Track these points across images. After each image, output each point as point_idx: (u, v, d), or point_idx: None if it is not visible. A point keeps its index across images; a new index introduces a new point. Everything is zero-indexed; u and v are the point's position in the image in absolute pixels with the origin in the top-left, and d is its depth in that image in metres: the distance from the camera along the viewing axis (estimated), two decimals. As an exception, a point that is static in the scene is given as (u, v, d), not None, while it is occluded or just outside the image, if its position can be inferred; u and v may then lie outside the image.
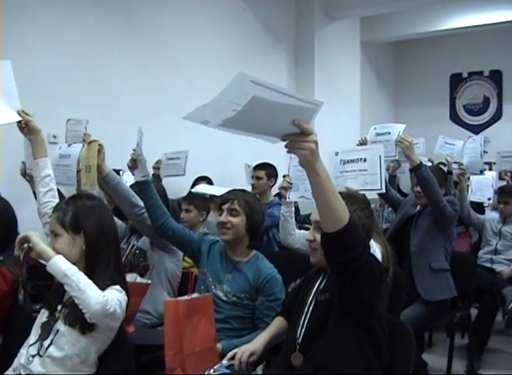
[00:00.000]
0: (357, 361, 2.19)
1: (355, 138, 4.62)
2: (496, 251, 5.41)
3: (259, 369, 2.83)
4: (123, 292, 2.33)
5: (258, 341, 2.57)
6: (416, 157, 4.11)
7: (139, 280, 3.24)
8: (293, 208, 3.96)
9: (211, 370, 2.35)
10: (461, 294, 4.38)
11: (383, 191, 3.65)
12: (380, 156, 3.59)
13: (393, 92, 9.81)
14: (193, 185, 5.90)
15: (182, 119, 1.63)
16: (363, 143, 4.33)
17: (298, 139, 1.74)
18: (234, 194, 3.18)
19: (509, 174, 7.13)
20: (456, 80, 9.56)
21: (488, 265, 5.33)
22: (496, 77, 9.30)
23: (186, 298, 2.64)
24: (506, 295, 4.84)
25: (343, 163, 3.58)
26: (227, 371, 2.37)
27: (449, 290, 4.17)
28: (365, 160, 3.57)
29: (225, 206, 3.11)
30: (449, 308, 4.37)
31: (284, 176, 3.89)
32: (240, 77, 1.58)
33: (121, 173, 4.52)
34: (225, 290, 3.02)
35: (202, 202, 4.54)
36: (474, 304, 4.98)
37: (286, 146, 1.78)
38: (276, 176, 5.49)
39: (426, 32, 8.59)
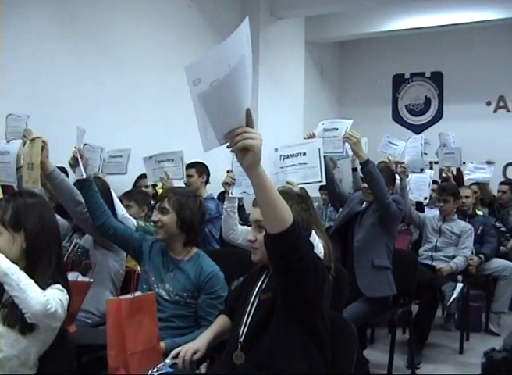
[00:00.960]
0: (301, 359, 2.20)
1: (298, 136, 4.67)
2: (436, 249, 5.53)
3: (203, 368, 2.84)
4: (65, 291, 2.30)
5: (201, 340, 2.55)
6: (363, 153, 4.16)
7: (81, 278, 3.20)
8: (236, 204, 3.98)
9: (155, 369, 2.33)
10: (402, 290, 4.46)
11: (324, 182, 3.69)
12: (319, 149, 3.63)
13: (337, 91, 9.90)
14: (136, 183, 5.87)
15: (184, 67, 1.65)
16: (311, 137, 4.36)
17: (247, 130, 1.74)
18: (168, 192, 3.19)
19: (451, 170, 7.33)
20: (399, 81, 9.70)
21: (429, 262, 5.43)
22: (437, 78, 9.46)
23: (128, 296, 2.62)
24: (445, 291, 4.94)
25: (283, 159, 3.60)
26: (170, 370, 2.35)
27: (389, 287, 4.24)
28: (305, 154, 3.61)
29: (157, 205, 3.13)
30: (391, 305, 4.46)
31: (228, 172, 3.89)
32: (243, 29, 1.72)
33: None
34: (168, 289, 3.01)
35: (143, 198, 4.52)
36: (415, 300, 5.08)
37: (228, 147, 1.78)
38: (208, 173, 5.51)
39: (370, 33, 8.69)
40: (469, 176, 6.72)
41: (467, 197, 6.15)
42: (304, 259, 2.04)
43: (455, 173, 7.19)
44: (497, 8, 7.78)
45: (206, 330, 2.65)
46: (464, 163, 7.47)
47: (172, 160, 5.35)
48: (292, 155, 3.61)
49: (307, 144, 3.74)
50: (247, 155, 1.77)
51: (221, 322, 2.65)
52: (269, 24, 7.64)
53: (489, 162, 7.49)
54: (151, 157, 5.41)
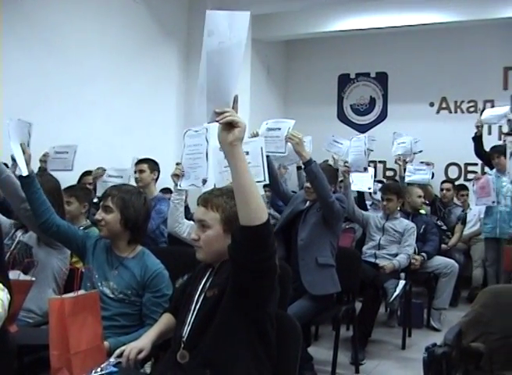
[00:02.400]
0: (246, 355, 2.21)
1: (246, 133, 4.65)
2: (379, 247, 5.60)
3: (147, 367, 2.82)
4: (5, 290, 2.25)
5: (146, 338, 2.53)
6: (306, 153, 4.20)
7: (22, 277, 3.14)
8: (184, 197, 3.97)
9: (98, 369, 2.29)
10: (346, 288, 4.52)
11: (267, 181, 3.72)
12: (262, 148, 3.65)
13: (283, 90, 9.92)
14: (80, 179, 5.78)
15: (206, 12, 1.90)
16: (254, 136, 4.37)
17: (235, 112, 1.94)
18: (112, 190, 3.15)
19: (402, 158, 7.46)
20: (344, 81, 9.78)
21: (372, 260, 5.50)
22: (382, 79, 9.56)
23: (72, 295, 2.57)
24: (388, 289, 5.00)
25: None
26: (114, 369, 2.32)
27: (333, 285, 4.29)
28: (247, 153, 3.62)
29: (101, 203, 3.10)
30: (335, 302, 4.51)
31: (177, 164, 3.89)
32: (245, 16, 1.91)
33: None
34: (112, 286, 2.99)
35: (84, 194, 4.46)
36: (359, 297, 5.15)
37: (218, 120, 1.92)
38: (159, 171, 5.49)
39: (316, 32, 8.72)
40: (409, 178, 6.84)
41: (419, 196, 6.30)
42: (271, 259, 2.07)
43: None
44: (441, 12, 7.91)
45: (150, 329, 2.64)
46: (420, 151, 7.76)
47: (67, 152, 5.33)
48: None
49: (249, 144, 3.77)
50: (232, 130, 1.93)
51: (165, 320, 2.64)
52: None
53: (428, 164, 7.68)
54: (53, 147, 5.36)
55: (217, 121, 1.92)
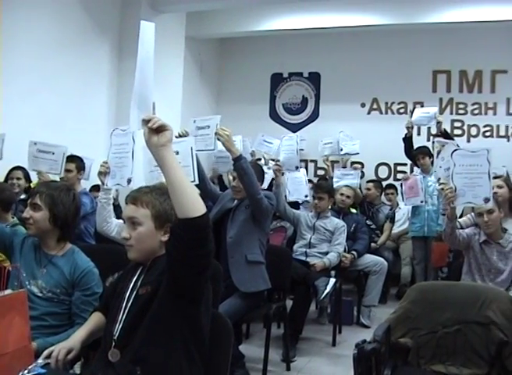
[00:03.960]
0: (179, 354, 2.20)
1: (175, 132, 4.63)
2: (310, 245, 5.64)
3: (77, 367, 2.76)
4: None
5: (75, 338, 2.48)
6: (236, 149, 4.22)
7: None
8: (111, 196, 3.92)
9: (25, 371, 2.23)
10: (277, 286, 4.53)
11: (197, 182, 3.70)
12: (191, 148, 3.64)
13: (215, 88, 9.89)
14: (8, 175, 5.61)
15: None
16: (183, 135, 4.34)
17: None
18: (40, 187, 3.08)
19: (329, 159, 7.55)
20: (277, 80, 9.82)
21: (303, 258, 5.54)
22: (314, 79, 9.63)
23: (-3, 295, 2.51)
24: (318, 287, 5.03)
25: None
26: (42, 371, 2.26)
27: (264, 282, 4.30)
28: (178, 153, 3.60)
29: (29, 201, 3.03)
30: (266, 300, 4.52)
31: (106, 163, 3.82)
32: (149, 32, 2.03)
33: None
34: (40, 285, 2.91)
35: (7, 197, 4.33)
36: (289, 295, 5.17)
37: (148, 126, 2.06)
38: (85, 169, 5.40)
39: (250, 31, 8.72)
40: (337, 183, 6.92)
41: (348, 197, 6.37)
42: (209, 256, 2.10)
43: None
44: (374, 14, 8.03)
45: (80, 328, 2.58)
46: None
47: (53, 153, 5.12)
48: None
49: (179, 143, 3.75)
50: (162, 134, 2.06)
51: (95, 319, 2.60)
52: (150, 18, 7.46)
53: (356, 168, 7.82)
54: (35, 143, 5.14)
55: (149, 127, 2.05)
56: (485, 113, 8.72)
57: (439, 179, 4.04)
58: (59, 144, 5.18)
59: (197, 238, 2.03)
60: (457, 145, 5.27)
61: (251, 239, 4.32)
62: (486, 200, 3.89)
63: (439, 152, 4.59)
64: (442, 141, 5.85)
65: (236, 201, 4.46)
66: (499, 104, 8.62)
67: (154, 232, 2.34)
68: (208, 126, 4.37)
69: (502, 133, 8.60)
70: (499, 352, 3.13)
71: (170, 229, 2.17)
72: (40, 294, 2.90)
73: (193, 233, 2.02)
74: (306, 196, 6.10)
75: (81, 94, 6.92)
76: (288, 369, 4.64)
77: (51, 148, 5.13)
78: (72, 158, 5.32)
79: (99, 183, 4.02)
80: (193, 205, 2.01)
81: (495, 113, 8.66)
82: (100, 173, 3.87)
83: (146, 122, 2.06)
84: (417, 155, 6.75)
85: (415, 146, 7.00)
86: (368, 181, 8.05)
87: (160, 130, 2.06)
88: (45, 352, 2.41)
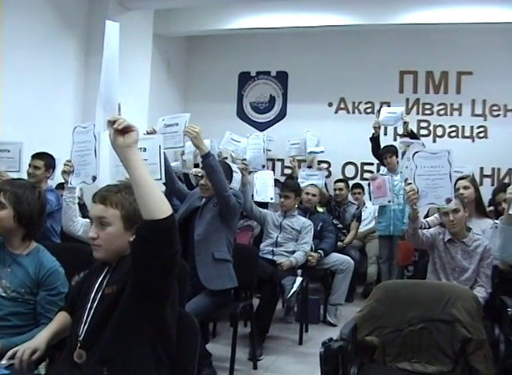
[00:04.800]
0: (145, 354, 2.18)
1: (142, 131, 4.61)
2: (276, 244, 5.66)
3: (41, 368, 2.72)
4: None
5: (40, 338, 2.46)
6: (205, 146, 4.24)
7: None
8: (76, 194, 3.88)
9: (-12, 372, 2.22)
10: (244, 284, 4.54)
11: (163, 180, 3.69)
12: (159, 146, 3.62)
13: (183, 86, 9.84)
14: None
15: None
16: (151, 133, 4.32)
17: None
18: (4, 185, 3.03)
19: (296, 160, 7.58)
20: (245, 78, 9.80)
21: (270, 257, 5.55)
22: (282, 78, 9.63)
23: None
24: (285, 285, 5.05)
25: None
26: (6, 372, 2.24)
27: (230, 280, 4.31)
28: (145, 150, 3.59)
29: None
30: (233, 299, 4.52)
31: (69, 161, 3.78)
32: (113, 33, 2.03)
33: None
34: (4, 285, 2.85)
35: None
36: (256, 294, 5.18)
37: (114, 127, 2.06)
38: (54, 167, 5.34)
39: (218, 29, 8.68)
40: (303, 183, 6.94)
41: (314, 195, 6.39)
42: (175, 256, 2.08)
43: None
44: (342, 14, 8.04)
45: (45, 328, 2.56)
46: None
47: (9, 151, 5.05)
48: None
49: (147, 140, 3.73)
50: (128, 134, 2.07)
51: (61, 319, 2.57)
52: (118, 14, 7.44)
53: (320, 169, 7.87)
54: None
55: (114, 128, 2.05)
56: (451, 114, 8.82)
57: (406, 179, 4.08)
58: (14, 141, 5.10)
59: (162, 240, 2.02)
60: (423, 145, 5.34)
61: (219, 237, 4.32)
62: (448, 200, 3.94)
63: (403, 153, 4.63)
64: (407, 141, 5.92)
65: (204, 200, 4.46)
66: (464, 105, 8.73)
67: (123, 233, 2.32)
68: (177, 124, 4.37)
69: (467, 133, 8.70)
70: (463, 349, 3.18)
71: (135, 230, 2.14)
72: (4, 294, 2.84)
73: (159, 235, 2.01)
74: (271, 199, 6.09)
75: (48, 91, 6.83)
76: (255, 367, 4.65)
77: (6, 146, 5.06)
78: (41, 156, 5.26)
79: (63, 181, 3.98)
80: (159, 207, 2.00)
81: (460, 114, 8.76)
82: (63, 172, 3.83)
83: (111, 123, 2.06)
84: (384, 154, 6.79)
85: (382, 146, 7.04)
86: (337, 181, 8.08)
87: (125, 130, 2.06)
88: (9, 353, 2.38)
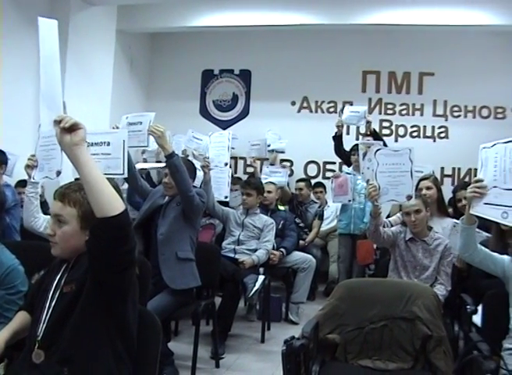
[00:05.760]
0: (106, 353, 2.16)
1: (104, 127, 4.57)
2: (238, 242, 5.65)
3: (0, 368, 2.67)
4: None
5: None
6: (169, 146, 4.23)
7: None
8: (39, 190, 3.83)
9: None
10: (206, 283, 4.52)
11: (125, 175, 3.66)
12: (124, 141, 3.59)
13: (146, 83, 9.75)
14: None
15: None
16: None
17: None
18: None
19: (257, 162, 7.58)
20: (208, 76, 9.77)
21: (232, 255, 5.54)
22: (245, 76, 9.63)
23: None
24: (247, 283, 5.05)
25: (87, 146, 3.54)
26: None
27: (194, 279, 4.30)
28: (109, 144, 3.55)
29: None
30: (195, 297, 4.51)
31: (33, 156, 3.73)
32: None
33: None
34: (-38, 283, 2.82)
35: None
36: (218, 292, 5.16)
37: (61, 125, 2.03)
38: (7, 164, 5.27)
39: (182, 27, 8.62)
40: (265, 180, 6.94)
41: (269, 192, 6.38)
42: (131, 253, 2.07)
43: None
44: (305, 14, 8.04)
45: (4, 328, 2.50)
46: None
47: None
48: (96, 144, 3.52)
49: (112, 134, 3.68)
50: (75, 132, 2.04)
51: (20, 318, 2.52)
52: (80, 10, 7.35)
53: (284, 166, 7.87)
54: None
55: (61, 126, 2.03)
56: (413, 114, 8.92)
57: (368, 180, 4.11)
58: None
59: (117, 237, 2.01)
60: (384, 145, 5.38)
61: (182, 236, 4.30)
62: (409, 197, 4.00)
63: (364, 154, 4.67)
64: (368, 142, 5.95)
65: (167, 198, 4.44)
66: (426, 105, 8.83)
67: (79, 232, 2.27)
68: (141, 123, 4.34)
69: (428, 133, 8.81)
70: (423, 346, 3.23)
71: (90, 229, 2.11)
72: (-39, 293, 2.80)
73: (114, 233, 1.99)
74: (226, 197, 6.06)
75: (6, 86, 6.72)
76: (217, 366, 4.64)
77: None
78: None
79: (24, 178, 3.92)
80: (111, 204, 1.98)
81: (422, 114, 8.87)
82: (27, 167, 3.76)
83: (58, 122, 2.05)
84: (354, 151, 6.76)
85: (345, 145, 7.08)
86: (299, 180, 8.09)
87: (73, 128, 2.04)
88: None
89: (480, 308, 3.57)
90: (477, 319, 3.70)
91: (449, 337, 3.39)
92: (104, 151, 3.52)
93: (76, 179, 2.26)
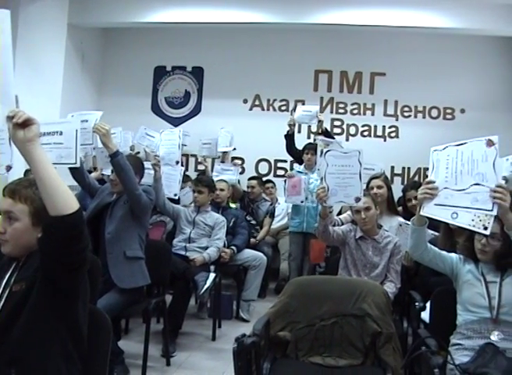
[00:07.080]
0: (56, 353, 2.13)
1: (54, 121, 4.50)
2: (189, 240, 5.63)
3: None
4: None
5: None
6: (113, 145, 4.19)
7: None
8: None
9: None
10: (156, 281, 4.51)
11: (78, 165, 3.64)
12: (76, 131, 3.57)
13: (97, 79, 9.62)
14: None
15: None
16: None
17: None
18: None
19: (208, 160, 7.56)
20: (160, 73, 9.70)
21: (183, 252, 5.53)
22: (197, 73, 9.59)
23: None
24: (198, 281, 5.04)
25: (39, 136, 3.51)
26: None
27: (143, 277, 4.28)
28: (61, 133, 3.53)
29: None
30: (145, 295, 4.49)
31: None
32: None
33: None
34: None
35: None
36: (169, 290, 5.14)
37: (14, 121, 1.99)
38: None
39: (134, 22, 8.52)
40: (217, 177, 6.93)
41: (222, 190, 6.38)
42: (85, 251, 2.04)
43: None
44: (259, 12, 8.05)
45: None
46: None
47: None
48: (48, 133, 3.51)
49: (64, 124, 3.67)
50: (29, 128, 1.99)
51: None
52: (31, 2, 7.21)
53: (235, 164, 7.88)
54: None
55: (14, 122, 1.98)
56: (364, 113, 9.04)
57: (321, 178, 4.14)
58: None
59: (71, 236, 1.98)
60: (340, 145, 5.43)
61: (130, 235, 4.28)
62: (357, 199, 4.04)
63: (322, 152, 4.70)
64: (326, 140, 6.00)
65: (114, 196, 4.40)
66: (377, 105, 8.96)
67: (31, 229, 2.24)
68: (87, 121, 4.30)
69: (379, 133, 8.94)
70: (373, 343, 3.27)
71: (42, 227, 2.09)
72: None
73: (68, 231, 1.97)
74: (175, 195, 6.03)
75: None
76: (168, 364, 4.62)
77: None
78: None
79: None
80: (65, 202, 1.96)
81: (373, 114, 9.00)
82: None
83: (10, 117, 2.00)
84: (306, 150, 6.78)
85: (296, 143, 7.12)
86: (250, 178, 8.10)
87: (26, 124, 2.00)
88: None
89: (428, 305, 3.63)
90: (425, 315, 3.76)
91: (399, 333, 3.45)
92: (56, 140, 3.54)
93: (27, 170, 2.23)
